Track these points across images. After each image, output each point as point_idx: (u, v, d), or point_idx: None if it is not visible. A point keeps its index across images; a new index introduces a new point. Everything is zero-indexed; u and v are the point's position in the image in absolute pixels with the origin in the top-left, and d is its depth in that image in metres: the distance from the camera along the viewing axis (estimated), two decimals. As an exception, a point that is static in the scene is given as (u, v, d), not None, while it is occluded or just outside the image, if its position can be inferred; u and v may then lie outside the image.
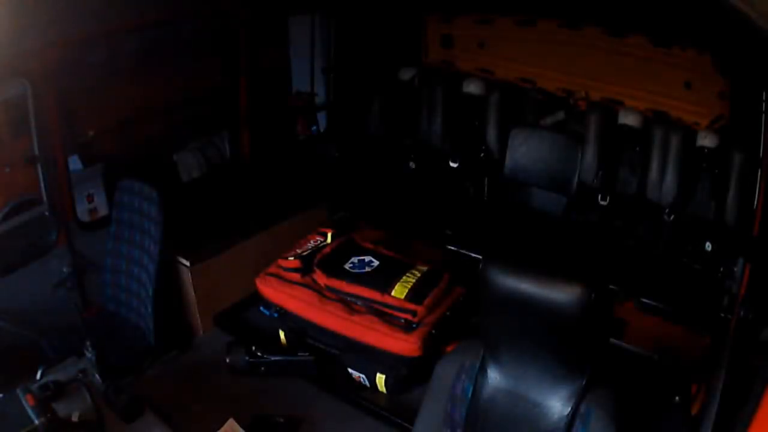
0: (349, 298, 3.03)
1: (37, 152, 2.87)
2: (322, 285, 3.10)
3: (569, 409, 1.58)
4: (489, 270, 1.60)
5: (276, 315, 3.20)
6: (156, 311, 2.94)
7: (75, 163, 3.27)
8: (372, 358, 2.88)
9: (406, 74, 4.29)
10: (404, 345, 2.82)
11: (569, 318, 1.50)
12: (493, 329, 1.69)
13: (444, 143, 4.18)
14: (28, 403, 2.10)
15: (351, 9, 4.23)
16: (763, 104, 2.81)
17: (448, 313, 2.97)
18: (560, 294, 1.50)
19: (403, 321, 2.89)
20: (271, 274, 3.21)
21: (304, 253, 3.24)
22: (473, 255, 3.42)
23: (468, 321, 2.97)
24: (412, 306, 2.89)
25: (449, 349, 2.42)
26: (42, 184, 2.92)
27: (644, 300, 3.09)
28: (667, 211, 3.36)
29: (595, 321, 1.55)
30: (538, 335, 1.60)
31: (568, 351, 1.59)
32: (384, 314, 2.93)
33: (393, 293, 2.95)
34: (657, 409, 2.67)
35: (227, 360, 2.95)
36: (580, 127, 3.67)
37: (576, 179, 3.57)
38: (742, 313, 2.19)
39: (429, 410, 1.78)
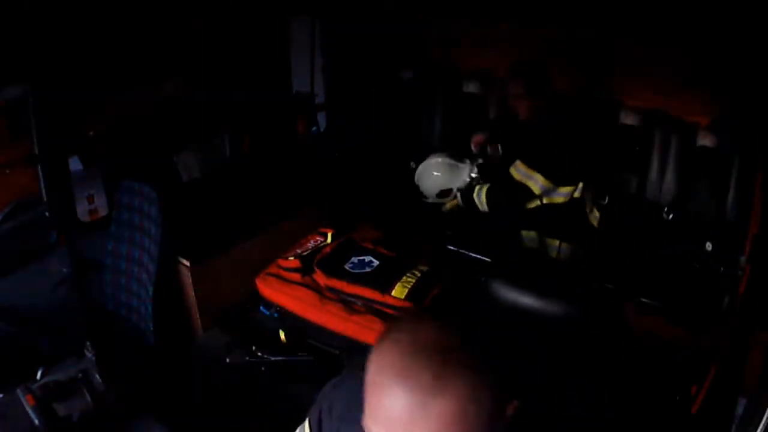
0: (349, 298, 3.02)
1: (37, 153, 2.87)
2: (323, 285, 3.09)
3: (570, 408, 1.58)
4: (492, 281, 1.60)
5: (276, 315, 3.20)
6: (156, 311, 2.94)
7: (75, 163, 3.26)
8: (372, 358, 2.87)
9: (406, 74, 4.29)
10: (404, 345, 2.81)
11: (570, 320, 1.51)
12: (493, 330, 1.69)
13: (444, 143, 4.18)
14: (28, 403, 2.09)
15: (351, 9, 4.23)
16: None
17: (448, 313, 2.97)
18: (561, 298, 1.50)
19: (403, 321, 2.88)
20: (271, 274, 3.21)
21: (304, 253, 3.24)
22: (473, 255, 3.42)
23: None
24: (412, 306, 2.89)
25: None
26: (42, 185, 2.92)
27: (644, 300, 3.09)
28: (666, 210, 3.36)
29: (596, 322, 1.55)
30: (538, 336, 1.61)
31: (568, 351, 1.59)
32: (384, 314, 2.93)
33: (393, 293, 2.95)
34: (657, 409, 2.66)
35: (227, 360, 2.95)
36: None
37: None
38: (742, 312, 2.19)
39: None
